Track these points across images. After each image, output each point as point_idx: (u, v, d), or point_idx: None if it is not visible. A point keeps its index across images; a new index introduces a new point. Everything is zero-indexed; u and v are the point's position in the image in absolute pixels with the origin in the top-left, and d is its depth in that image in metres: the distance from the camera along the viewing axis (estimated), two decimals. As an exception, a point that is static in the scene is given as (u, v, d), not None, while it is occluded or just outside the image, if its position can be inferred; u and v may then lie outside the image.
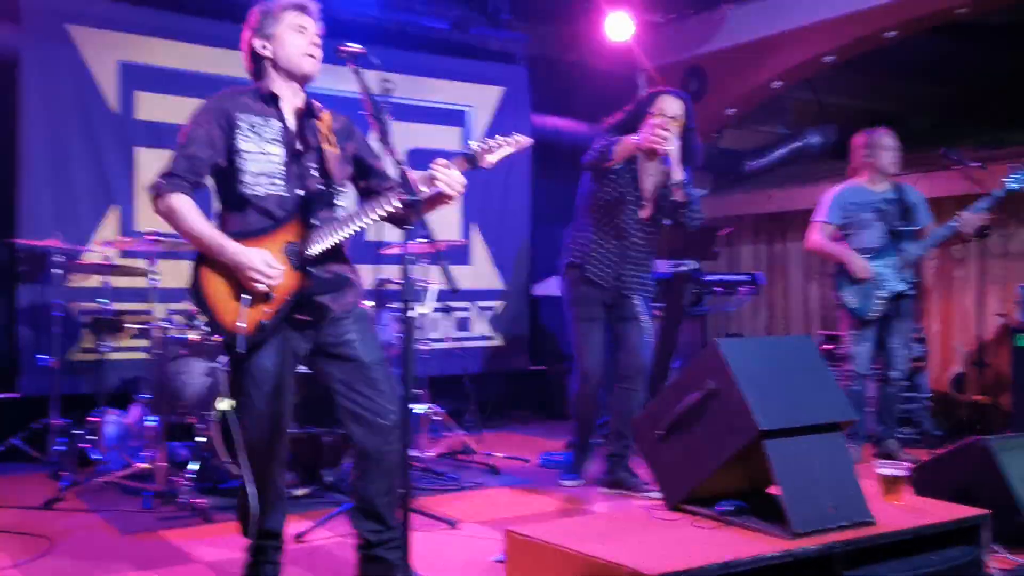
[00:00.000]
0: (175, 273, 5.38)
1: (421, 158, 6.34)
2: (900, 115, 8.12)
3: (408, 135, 6.25)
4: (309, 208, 2.72)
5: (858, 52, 6.54)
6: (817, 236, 4.99)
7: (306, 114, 2.81)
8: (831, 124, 7.89)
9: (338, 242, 2.71)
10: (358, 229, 2.71)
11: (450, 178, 2.69)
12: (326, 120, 2.83)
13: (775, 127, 8.18)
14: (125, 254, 5.10)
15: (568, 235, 4.38)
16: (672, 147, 4.01)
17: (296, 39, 2.74)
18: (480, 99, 6.63)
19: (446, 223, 6.26)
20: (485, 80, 6.62)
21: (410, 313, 2.45)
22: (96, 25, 5.28)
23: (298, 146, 2.76)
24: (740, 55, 6.95)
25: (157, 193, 2.67)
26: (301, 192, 2.72)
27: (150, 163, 5.38)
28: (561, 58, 7.07)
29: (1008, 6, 5.91)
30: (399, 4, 6.21)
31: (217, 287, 2.66)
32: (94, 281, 4.85)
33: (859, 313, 4.83)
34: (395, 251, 5.10)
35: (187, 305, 5.38)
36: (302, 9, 2.78)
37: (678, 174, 4.08)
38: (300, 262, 2.68)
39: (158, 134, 5.41)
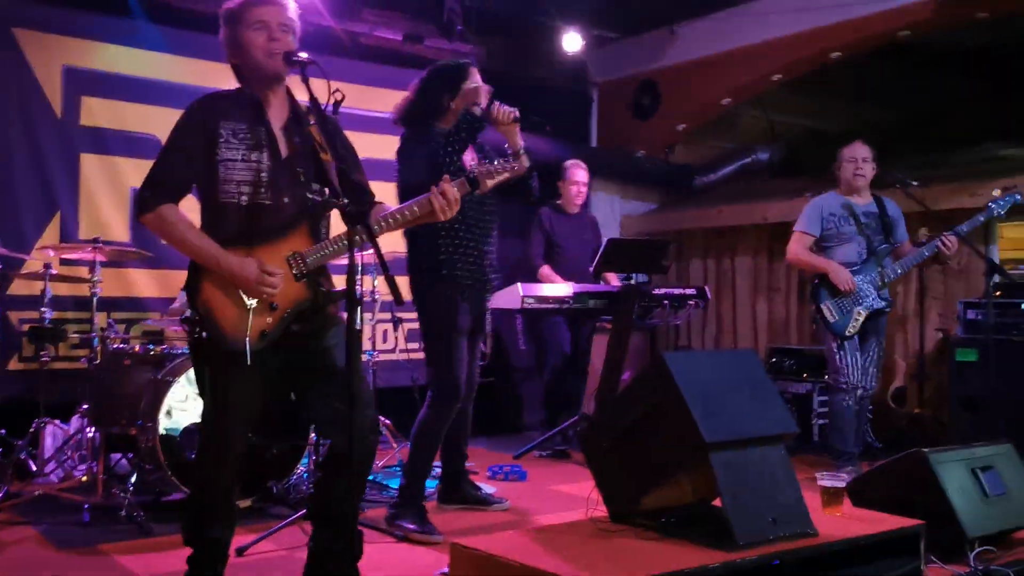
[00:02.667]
0: (117, 281, 5.30)
1: (374, 168, 6.33)
2: (844, 135, 8.30)
3: (360, 145, 6.15)
4: (311, 219, 2.68)
5: (805, 71, 6.69)
6: (798, 247, 4.85)
7: (294, 117, 2.74)
8: (779, 141, 8.05)
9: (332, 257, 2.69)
10: (354, 248, 2.68)
11: (452, 202, 2.72)
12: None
13: (725, 143, 8.31)
14: (66, 262, 5.00)
15: (417, 240, 3.85)
16: (518, 112, 3.72)
17: (256, 39, 2.64)
18: (433, 110, 6.61)
19: (399, 233, 6.23)
20: (438, 92, 6.61)
21: (356, 324, 2.43)
22: (42, 29, 5.18)
23: (284, 151, 2.70)
24: (691, 72, 7.06)
25: (143, 205, 2.62)
26: (287, 200, 2.67)
27: (95, 169, 5.31)
28: (515, 71, 7.09)
29: (947, 30, 6.08)
30: (352, 14, 6.19)
31: (220, 296, 2.60)
32: (35, 289, 4.75)
33: (837, 329, 4.69)
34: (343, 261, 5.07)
35: (129, 314, 5.31)
36: (262, 1, 2.66)
37: (520, 140, 3.75)
38: (302, 274, 2.65)
39: (104, 140, 5.33)
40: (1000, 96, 7.86)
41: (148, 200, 2.61)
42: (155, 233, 2.68)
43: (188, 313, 2.64)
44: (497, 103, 3.75)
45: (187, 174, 2.65)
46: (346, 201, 2.61)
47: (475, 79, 3.81)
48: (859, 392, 4.75)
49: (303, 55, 2.59)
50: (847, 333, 4.69)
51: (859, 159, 4.82)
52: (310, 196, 2.72)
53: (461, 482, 4.20)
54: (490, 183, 2.88)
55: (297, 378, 2.78)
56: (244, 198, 2.64)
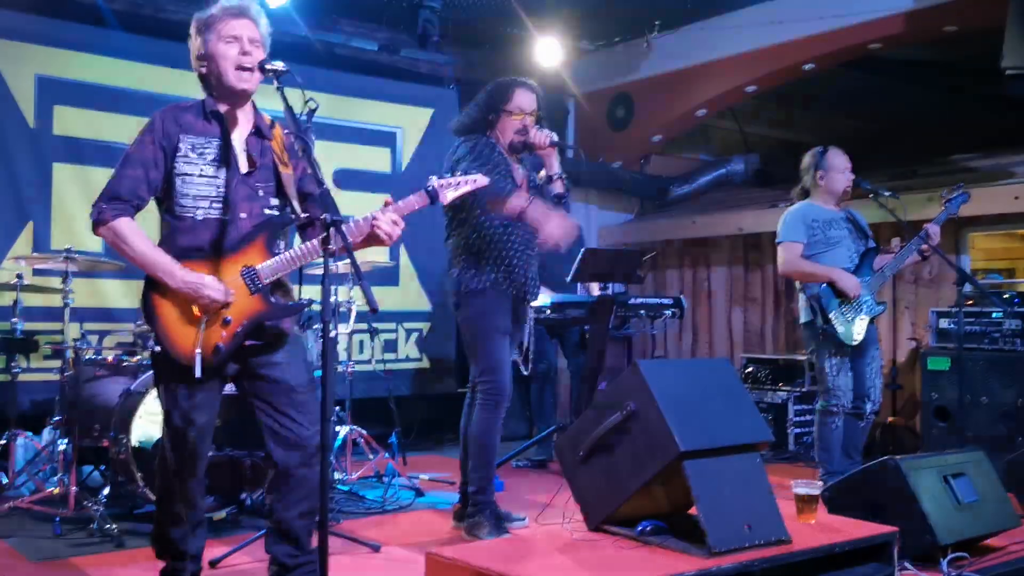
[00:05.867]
0: (90, 292, 5.26)
1: (349, 178, 6.38)
2: (814, 148, 8.40)
3: (337, 155, 6.22)
4: (266, 233, 2.68)
5: (778, 83, 6.75)
6: (791, 256, 4.56)
7: (256, 132, 2.74)
8: (754, 153, 8.11)
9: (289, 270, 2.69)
10: (311, 261, 2.67)
11: (391, 230, 2.68)
12: (278, 136, 2.77)
13: (699, 154, 8.37)
14: (38, 272, 4.95)
15: (462, 245, 3.86)
16: (557, 138, 3.85)
17: (227, 51, 2.64)
18: (409, 121, 6.64)
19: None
20: (414, 102, 6.64)
21: (331, 333, 2.43)
22: (14, 38, 5.16)
23: (243, 168, 2.70)
24: (666, 83, 7.11)
25: (99, 218, 2.61)
26: (244, 215, 2.67)
27: (68, 179, 5.28)
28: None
29: (919, 43, 6.16)
30: (328, 24, 6.19)
31: (172, 310, 2.60)
32: (6, 300, 4.70)
33: (846, 339, 4.46)
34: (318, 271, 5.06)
35: (102, 325, 5.27)
36: (234, 14, 2.67)
37: (557, 165, 3.90)
38: (256, 287, 2.64)
39: (77, 149, 5.29)
40: (969, 109, 7.98)
41: (103, 213, 2.61)
42: (110, 245, 2.68)
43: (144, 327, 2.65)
44: (535, 128, 3.82)
45: (145, 188, 2.65)
46: (323, 214, 2.61)
47: (519, 100, 3.86)
48: (868, 407, 4.58)
49: (278, 64, 2.60)
50: (854, 342, 4.49)
51: (849, 168, 4.70)
52: (268, 211, 2.72)
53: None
54: (451, 195, 2.88)
55: (247, 389, 2.77)
56: (201, 212, 2.64)
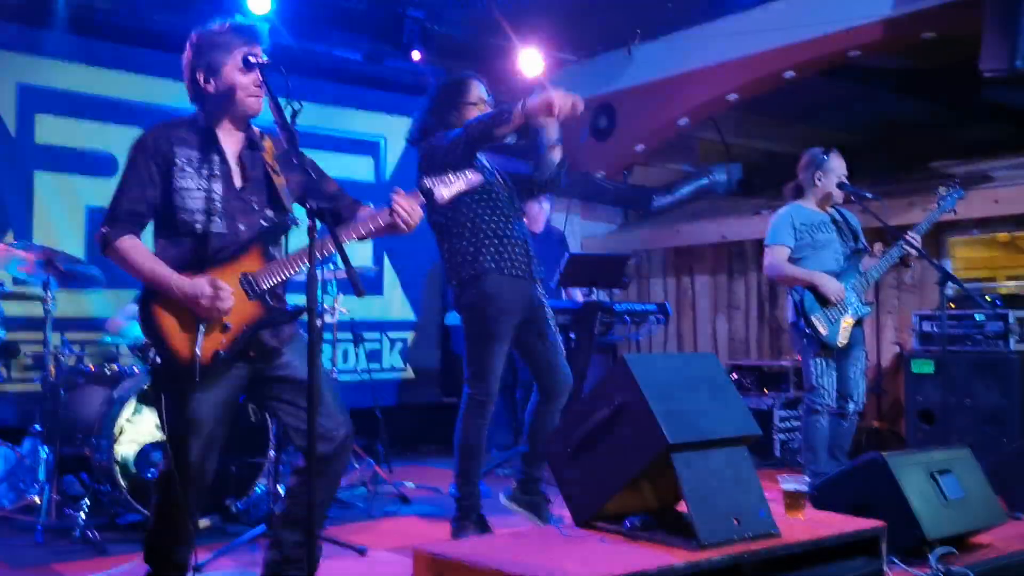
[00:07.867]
0: (71, 301, 5.21)
1: (333, 188, 6.36)
2: (799, 156, 8.45)
3: (320, 164, 6.15)
4: (263, 241, 2.68)
5: (759, 91, 6.79)
6: (776, 260, 4.62)
7: (248, 145, 2.76)
8: (736, 163, 8.16)
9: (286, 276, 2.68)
10: (309, 265, 2.66)
11: (411, 211, 2.69)
12: (269, 148, 2.77)
13: (682, 165, 8.41)
14: (19, 282, 4.90)
15: (454, 247, 3.77)
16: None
17: (242, 79, 2.66)
18: (393, 130, 6.64)
19: (358, 251, 6.22)
20: (398, 111, 6.65)
21: (316, 322, 2.41)
22: (-6, 46, 5.14)
23: (238, 181, 2.72)
24: (648, 93, 7.15)
25: (106, 242, 2.62)
26: (243, 227, 2.68)
27: (50, 187, 5.25)
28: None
29: (897, 51, 6.23)
30: (312, 34, 6.19)
31: (170, 318, 2.59)
32: (-15, 308, 4.65)
33: (830, 341, 4.48)
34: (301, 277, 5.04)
35: (84, 335, 5.22)
36: (252, 41, 2.68)
37: (555, 130, 3.82)
38: (256, 294, 2.64)
39: (59, 158, 5.27)
40: (947, 115, 8.07)
41: (108, 236, 2.63)
42: (119, 266, 2.67)
43: (142, 341, 2.65)
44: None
45: (144, 206, 2.66)
46: (313, 204, 2.60)
47: (476, 91, 3.86)
48: (851, 407, 4.59)
49: (263, 58, 2.63)
50: (839, 344, 4.51)
51: (844, 172, 4.74)
52: (264, 223, 2.74)
53: (533, 489, 3.99)
54: (446, 194, 2.86)
55: (263, 395, 2.76)
56: (199, 225, 2.65)
